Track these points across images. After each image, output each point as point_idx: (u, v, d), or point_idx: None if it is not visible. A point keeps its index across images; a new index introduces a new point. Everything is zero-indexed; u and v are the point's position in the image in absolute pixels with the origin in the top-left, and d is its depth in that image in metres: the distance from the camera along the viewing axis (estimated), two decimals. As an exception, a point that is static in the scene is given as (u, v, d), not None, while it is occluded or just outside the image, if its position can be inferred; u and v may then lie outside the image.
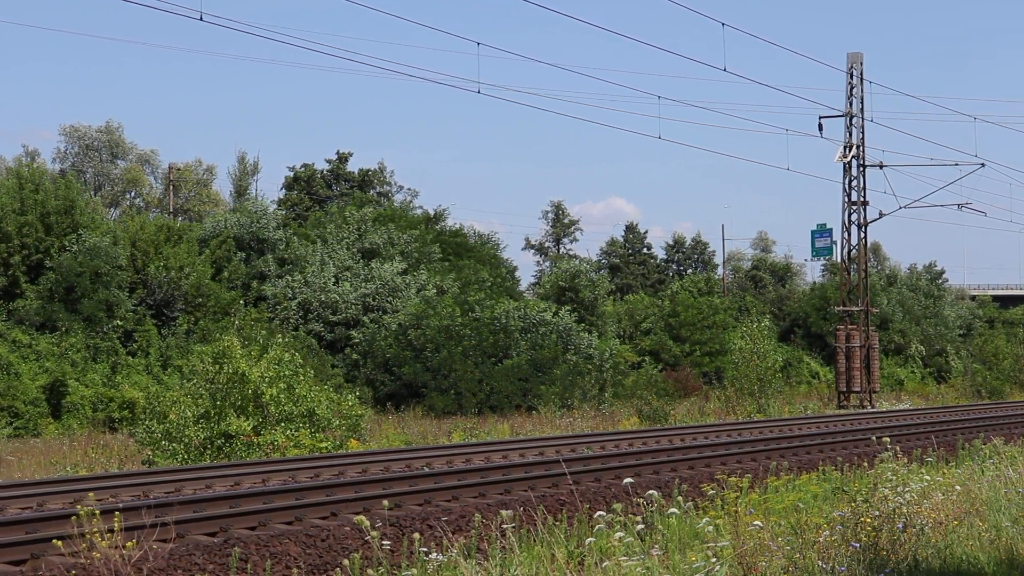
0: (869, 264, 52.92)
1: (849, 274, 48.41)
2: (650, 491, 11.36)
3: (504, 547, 10.06)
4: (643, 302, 62.32)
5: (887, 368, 62.33)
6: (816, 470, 17.82)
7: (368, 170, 65.38)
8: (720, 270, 77.59)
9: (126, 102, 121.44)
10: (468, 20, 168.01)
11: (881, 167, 46.85)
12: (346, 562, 10.24)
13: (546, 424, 34.61)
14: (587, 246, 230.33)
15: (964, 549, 10.39)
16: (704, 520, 10.07)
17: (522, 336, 44.10)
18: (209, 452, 22.80)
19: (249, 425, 23.03)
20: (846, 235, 47.62)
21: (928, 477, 12.78)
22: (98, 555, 9.74)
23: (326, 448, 23.61)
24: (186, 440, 22.82)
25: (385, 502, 12.73)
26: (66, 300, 38.05)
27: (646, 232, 77.17)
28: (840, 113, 46.57)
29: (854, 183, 46.83)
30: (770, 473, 17.25)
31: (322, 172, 64.05)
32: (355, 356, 44.11)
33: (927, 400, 53.12)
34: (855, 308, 47.56)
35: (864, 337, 46.58)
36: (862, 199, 46.81)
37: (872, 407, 45.07)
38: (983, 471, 14.82)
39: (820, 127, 45.40)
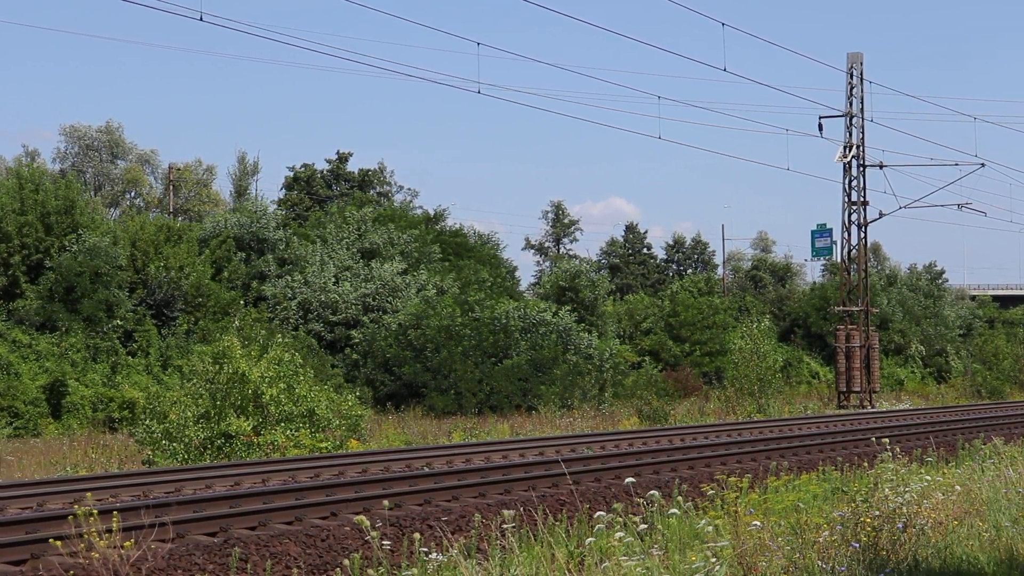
0: (869, 264, 52.92)
1: (849, 274, 48.41)
2: (651, 491, 11.36)
3: (504, 547, 10.06)
4: (643, 302, 62.32)
5: (887, 368, 62.33)
6: (816, 470, 17.82)
7: (368, 170, 65.40)
8: (720, 270, 77.65)
9: (126, 102, 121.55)
10: (468, 20, 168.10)
11: (881, 167, 46.86)
12: (346, 562, 10.24)
13: (546, 424, 34.61)
14: (587, 246, 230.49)
15: (964, 549, 10.39)
16: (704, 520, 10.07)
17: (522, 336, 44.10)
18: (209, 452, 22.80)
19: (249, 425, 23.03)
20: (846, 235, 47.64)
21: (928, 477, 12.78)
22: (96, 555, 9.74)
23: (326, 448, 23.61)
24: (186, 440, 22.83)
25: (385, 502, 12.73)
26: (66, 300, 38.05)
27: (646, 232, 77.27)
28: (840, 113, 46.57)
29: (854, 183, 46.85)
30: (770, 473, 17.26)
31: (322, 172, 64.05)
32: (355, 356, 44.11)
33: (927, 400, 53.12)
34: (855, 308, 47.56)
35: (864, 337, 46.58)
36: (862, 199, 46.82)
37: (872, 407, 45.07)
38: (983, 471, 14.82)
39: (820, 127, 45.45)
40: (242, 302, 42.61)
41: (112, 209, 63.74)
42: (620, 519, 10.08)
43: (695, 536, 10.46)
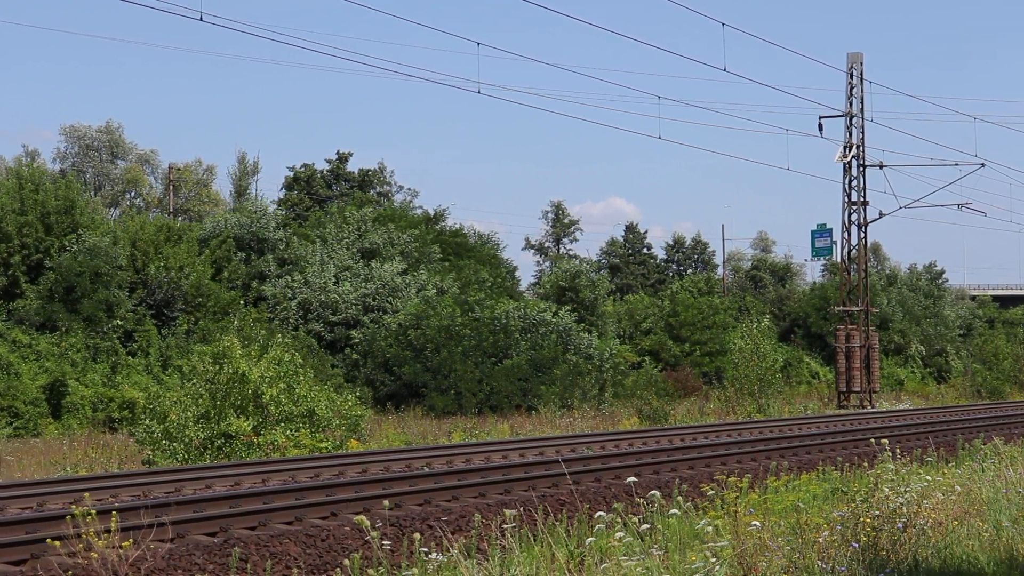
0: (869, 264, 52.92)
1: (849, 274, 48.41)
2: (652, 491, 11.36)
3: (504, 547, 10.06)
4: (643, 302, 62.31)
5: (887, 368, 62.33)
6: (816, 470, 17.82)
7: (368, 170, 65.39)
8: (720, 270, 77.64)
9: (126, 102, 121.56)
10: (468, 20, 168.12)
11: (881, 167, 46.86)
12: (346, 562, 10.24)
13: (546, 424, 34.60)
14: (587, 246, 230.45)
15: (964, 549, 10.39)
16: (704, 520, 10.07)
17: (522, 336, 44.09)
18: (209, 452, 22.80)
19: (249, 425, 23.03)
20: (846, 235, 47.64)
21: (928, 477, 12.78)
22: (95, 555, 9.74)
23: (326, 448, 23.61)
24: (186, 440, 22.83)
25: (385, 502, 12.73)
26: (66, 300, 38.05)
27: (646, 232, 77.27)
28: (840, 113, 46.58)
29: (854, 183, 46.85)
30: (770, 473, 17.25)
31: (322, 172, 64.05)
32: (355, 356, 44.11)
33: (927, 400, 53.13)
34: (855, 308, 47.56)
35: (864, 337, 46.58)
36: (862, 199, 46.83)
37: (872, 407, 45.08)
38: (983, 471, 14.82)
39: (820, 127, 45.46)
40: (242, 302, 42.61)
41: (112, 209, 63.74)
42: (620, 519, 10.08)
43: (695, 536, 10.46)
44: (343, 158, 64.71)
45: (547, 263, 76.50)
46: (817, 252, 53.41)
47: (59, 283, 38.07)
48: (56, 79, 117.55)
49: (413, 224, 53.96)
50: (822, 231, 51.77)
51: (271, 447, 22.77)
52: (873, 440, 17.40)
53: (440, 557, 9.89)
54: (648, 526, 9.94)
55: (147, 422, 24.06)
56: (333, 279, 45.81)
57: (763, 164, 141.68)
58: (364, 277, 46.29)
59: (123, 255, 39.84)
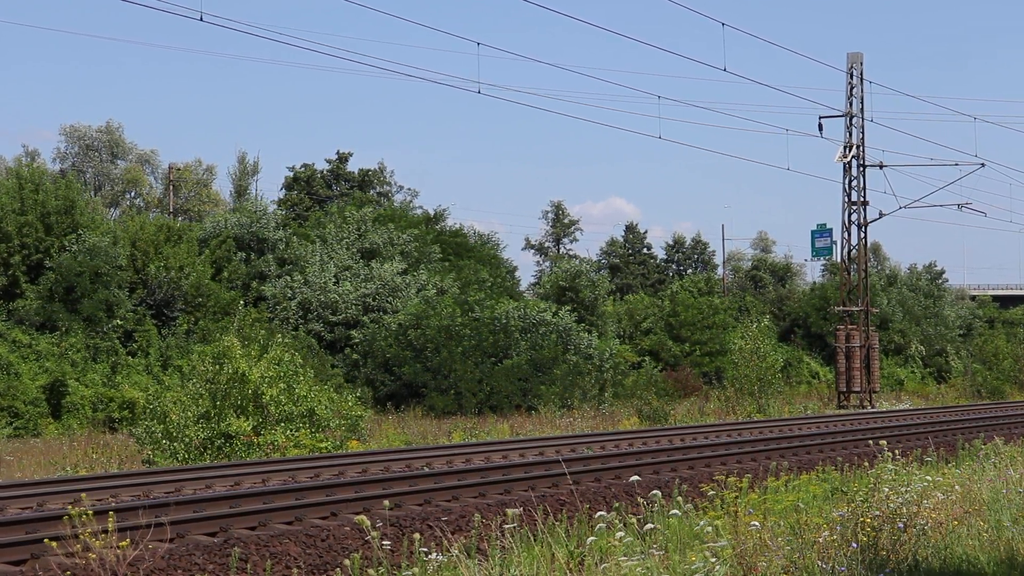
0: (869, 264, 52.92)
1: (849, 274, 48.41)
2: (653, 491, 11.36)
3: (504, 547, 10.06)
4: (643, 302, 62.30)
5: (887, 368, 62.32)
6: (816, 470, 17.82)
7: (368, 170, 65.39)
8: (720, 270, 77.64)
9: (126, 102, 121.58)
10: (468, 20, 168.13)
11: (881, 167, 46.86)
12: (346, 562, 10.24)
13: (546, 424, 34.60)
14: (587, 246, 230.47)
15: (964, 549, 10.39)
16: (704, 520, 10.07)
17: (522, 336, 44.09)
18: (209, 452, 22.80)
19: (249, 425, 23.03)
20: (846, 235, 47.64)
21: (928, 477, 12.77)
22: (93, 556, 9.74)
23: (326, 448, 23.61)
24: (186, 440, 22.83)
25: (385, 502, 12.73)
26: (66, 300, 38.04)
27: (646, 232, 77.29)
28: (840, 113, 46.57)
29: (854, 183, 46.85)
30: (770, 473, 17.24)
31: (322, 172, 64.04)
32: (355, 356, 44.10)
33: (927, 400, 53.13)
34: (855, 308, 47.56)
35: (864, 337, 46.58)
36: (862, 199, 46.83)
37: (872, 407, 45.08)
38: (984, 471, 14.82)
39: (820, 127, 45.47)
40: (242, 302, 42.56)
41: (112, 209, 63.73)
42: (620, 520, 10.08)
43: (695, 536, 10.46)
44: (343, 158, 64.71)
45: (547, 263, 76.49)
46: (817, 252, 53.42)
47: (59, 283, 38.07)
48: (56, 79, 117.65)
49: (413, 224, 53.96)
50: (822, 231, 51.77)
51: (271, 447, 22.78)
52: (871, 442, 17.40)
53: (440, 557, 9.89)
54: (652, 526, 9.94)
55: (147, 422, 24.06)
56: (333, 279, 45.80)
57: (763, 164, 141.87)
58: (364, 277, 46.28)
59: (123, 255, 39.84)
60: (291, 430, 23.54)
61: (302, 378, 24.72)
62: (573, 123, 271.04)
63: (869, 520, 9.74)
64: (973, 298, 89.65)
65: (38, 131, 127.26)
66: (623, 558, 8.54)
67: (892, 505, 10.15)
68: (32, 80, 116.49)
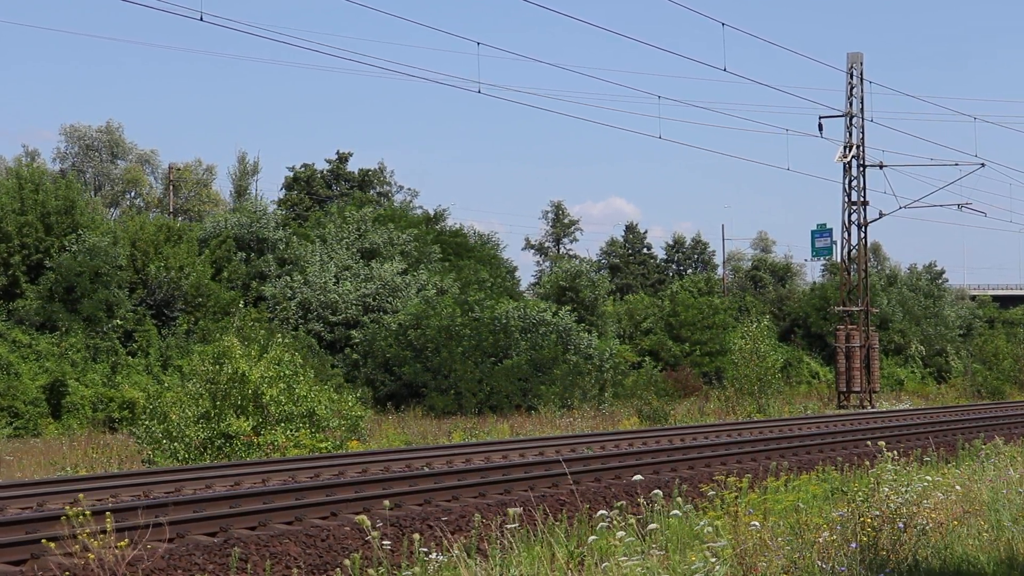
0: (869, 264, 52.92)
1: (849, 274, 48.41)
2: (655, 491, 11.36)
3: (504, 547, 10.06)
4: (643, 302, 62.30)
5: (887, 368, 62.32)
6: (816, 470, 17.81)
7: (368, 170, 65.39)
8: (720, 270, 77.64)
9: (126, 102, 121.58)
10: (468, 20, 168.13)
11: (881, 167, 46.86)
12: (346, 562, 10.23)
13: (546, 424, 34.60)
14: (587, 246, 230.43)
15: (964, 549, 10.39)
16: (704, 520, 10.06)
17: (522, 336, 44.09)
18: (209, 452, 22.80)
19: (249, 425, 23.03)
20: (846, 235, 47.64)
21: (928, 477, 12.78)
22: (92, 556, 9.74)
23: (326, 448, 23.60)
24: (186, 440, 22.83)
25: (385, 502, 12.73)
26: (66, 300, 38.04)
27: (646, 232, 77.29)
28: (840, 113, 46.58)
29: (854, 183, 46.85)
30: (770, 473, 17.24)
31: (322, 172, 64.05)
32: (355, 356, 44.10)
33: (927, 400, 53.13)
34: (855, 308, 47.56)
35: (864, 337, 46.58)
36: (862, 199, 46.83)
37: (872, 407, 45.07)
38: (984, 470, 14.82)
39: (820, 127, 45.47)
40: (242, 302, 42.56)
41: (112, 209, 63.74)
42: (620, 520, 10.08)
43: (695, 536, 10.46)
44: (343, 158, 64.72)
45: (547, 263, 76.49)
46: (817, 252, 53.42)
47: (59, 283, 38.07)
48: (56, 79, 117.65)
49: (413, 224, 53.96)
50: (822, 231, 51.77)
51: (271, 447, 22.78)
52: (869, 443, 17.40)
53: (440, 557, 9.89)
54: (655, 526, 9.94)
55: (147, 422, 24.06)
56: (333, 279, 45.80)
57: (763, 164, 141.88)
58: (364, 277, 46.28)
59: (123, 255, 39.84)
60: (291, 430, 23.54)
61: (302, 378, 24.71)
62: (573, 123, 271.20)
63: (869, 520, 9.74)
64: (973, 298, 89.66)
65: (38, 131, 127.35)
66: (623, 558, 8.54)
67: (892, 505, 10.15)
68: (32, 80, 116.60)
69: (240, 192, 64.92)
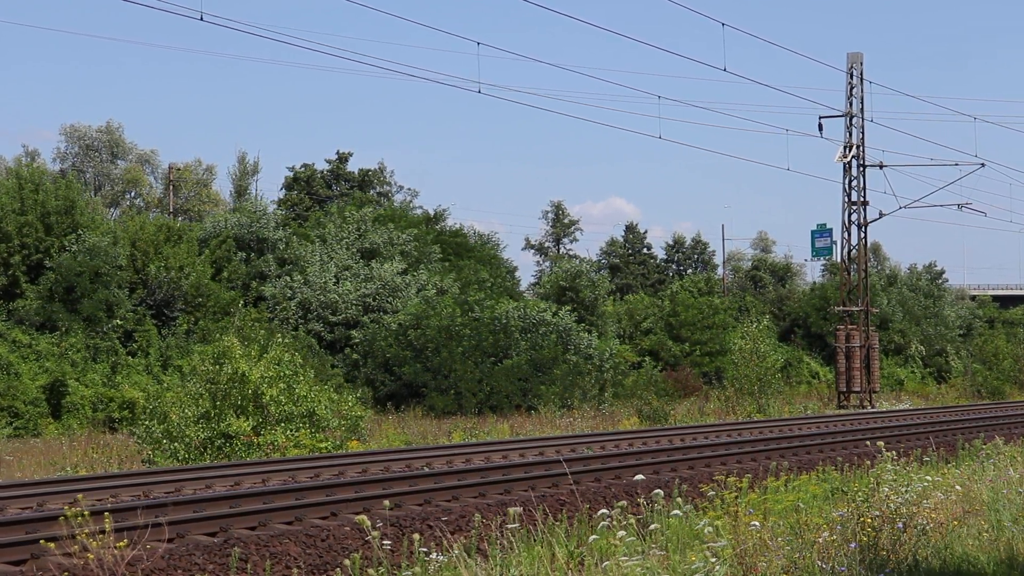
0: (869, 264, 52.92)
1: (849, 274, 48.41)
2: (656, 490, 11.36)
3: (504, 547, 10.06)
4: (643, 302, 62.30)
5: (887, 368, 62.32)
6: (816, 470, 17.81)
7: (368, 170, 65.38)
8: (720, 270, 77.64)
9: (126, 102, 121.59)
10: (468, 20, 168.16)
11: (881, 167, 46.86)
12: (346, 562, 10.23)
13: (546, 424, 34.60)
14: (587, 246, 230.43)
15: (964, 549, 10.39)
16: (704, 520, 10.06)
17: (522, 336, 44.09)
18: (209, 452, 22.80)
19: (249, 425, 23.03)
20: (846, 235, 47.64)
21: (928, 478, 12.77)
22: (91, 556, 9.74)
23: (326, 448, 23.60)
24: (186, 440, 22.83)
25: (385, 502, 12.73)
26: (66, 300, 38.04)
27: (646, 232, 77.28)
28: (840, 113, 46.57)
29: (854, 183, 46.85)
30: (770, 473, 17.24)
31: (322, 172, 64.05)
32: (355, 356, 44.10)
33: (927, 400, 53.13)
34: (855, 308, 47.55)
35: (864, 337, 46.58)
36: (862, 199, 46.82)
37: (872, 407, 45.07)
38: (984, 470, 14.82)
39: (820, 127, 45.47)
40: (242, 302, 42.59)
41: (112, 209, 63.73)
42: (620, 519, 10.08)
43: (695, 536, 10.46)
44: (343, 158, 64.71)
45: (547, 263, 76.49)
46: (817, 252, 53.42)
47: (59, 283, 38.07)
48: (56, 79, 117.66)
49: (413, 224, 53.96)
50: (822, 231, 51.77)
51: (271, 447, 22.77)
52: (868, 443, 17.40)
53: (440, 557, 9.88)
54: (655, 526, 9.94)
55: (147, 422, 24.06)
56: (333, 279, 45.80)
57: (763, 164, 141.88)
58: (364, 277, 46.28)
59: (123, 255, 39.84)
60: (291, 430, 23.54)
61: (302, 378, 24.71)
62: (573, 123, 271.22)
63: (869, 520, 9.74)
64: (973, 298, 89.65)
65: (38, 131, 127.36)
66: (623, 558, 8.54)
67: (892, 505, 10.15)
68: (32, 80, 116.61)
69: (240, 192, 64.92)
